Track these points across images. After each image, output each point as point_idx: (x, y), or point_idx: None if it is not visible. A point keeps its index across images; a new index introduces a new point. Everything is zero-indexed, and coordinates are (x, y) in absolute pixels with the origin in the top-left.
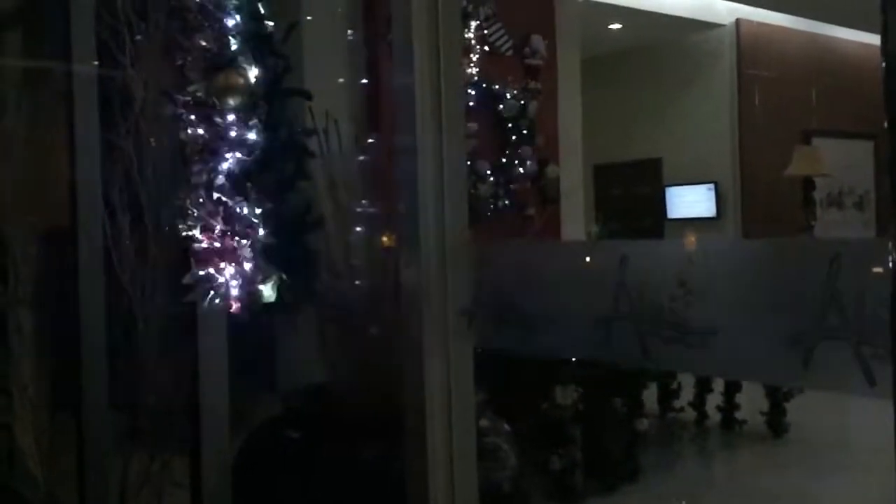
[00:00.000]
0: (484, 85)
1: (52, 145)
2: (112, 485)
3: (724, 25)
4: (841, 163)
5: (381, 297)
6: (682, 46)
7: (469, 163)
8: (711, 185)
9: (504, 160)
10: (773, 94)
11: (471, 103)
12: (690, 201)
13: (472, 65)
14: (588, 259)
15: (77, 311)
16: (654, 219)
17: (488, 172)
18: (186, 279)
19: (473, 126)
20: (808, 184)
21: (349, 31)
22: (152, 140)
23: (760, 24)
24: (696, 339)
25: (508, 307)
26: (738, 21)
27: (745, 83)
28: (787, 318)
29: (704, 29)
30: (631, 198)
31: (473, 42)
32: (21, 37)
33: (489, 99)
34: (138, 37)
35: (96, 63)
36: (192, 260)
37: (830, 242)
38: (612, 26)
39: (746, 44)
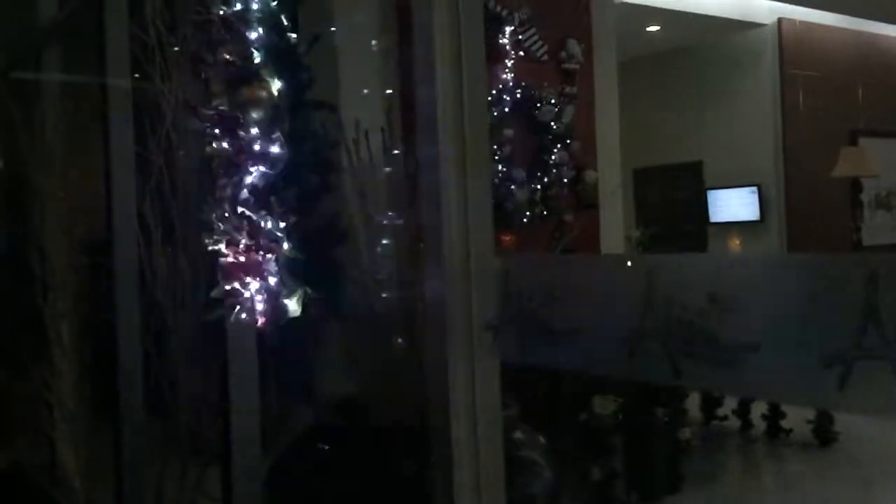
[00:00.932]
0: (519, 90)
1: (90, 159)
2: (148, 496)
3: (765, 25)
4: (889, 163)
5: (409, 310)
6: (722, 47)
7: (504, 169)
8: (754, 188)
9: (540, 166)
10: (818, 94)
11: (506, 109)
12: (733, 205)
13: (506, 70)
14: (615, 272)
15: (114, 323)
16: (695, 223)
17: (524, 178)
18: (213, 294)
19: (509, 132)
20: (854, 185)
21: (376, 42)
22: (182, 154)
23: (803, 23)
24: (727, 358)
25: (533, 321)
26: (779, 20)
27: (788, 83)
28: (823, 337)
29: (745, 29)
30: (672, 202)
31: (508, 47)
32: (61, 52)
33: (525, 104)
34: (171, 49)
35: (129, 77)
36: (218, 274)
37: (868, 258)
38: (649, 28)
39: (789, 43)
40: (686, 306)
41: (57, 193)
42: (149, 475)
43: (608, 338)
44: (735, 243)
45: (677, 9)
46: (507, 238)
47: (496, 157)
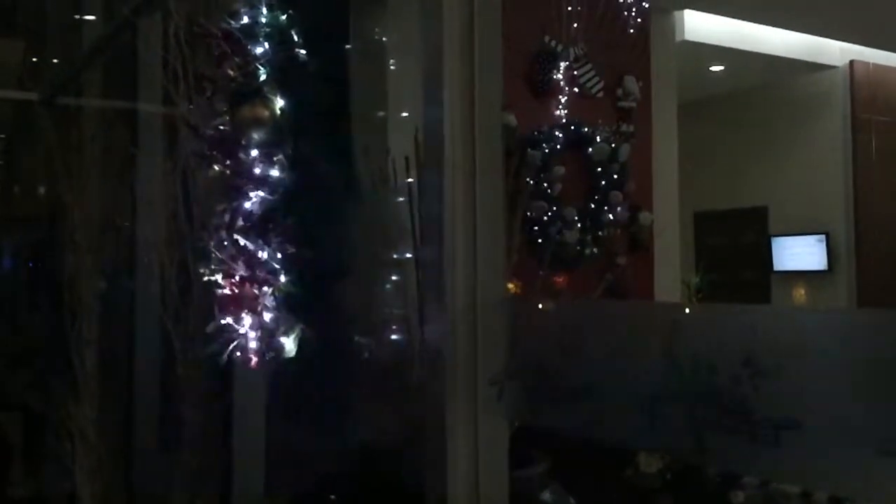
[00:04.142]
0: (573, 127)
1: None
2: None
3: (836, 67)
4: None
5: (415, 357)
6: (790, 89)
7: (555, 208)
8: (822, 236)
9: (593, 205)
10: (892, 139)
11: (558, 146)
12: (799, 253)
13: (560, 107)
14: (638, 322)
15: (132, 352)
16: (758, 271)
17: (575, 218)
18: (208, 329)
19: (560, 169)
20: None
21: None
22: (193, 178)
23: (877, 66)
24: (765, 435)
25: (543, 377)
26: (851, 63)
27: (859, 127)
28: (882, 417)
29: (814, 71)
30: (734, 248)
31: (562, 83)
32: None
33: (578, 142)
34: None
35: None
36: (215, 308)
37: None
38: (713, 68)
39: (861, 86)
40: (716, 368)
41: (90, 217)
42: None
43: (625, 400)
44: (800, 294)
45: (743, 48)
46: (560, 280)
47: (546, 196)
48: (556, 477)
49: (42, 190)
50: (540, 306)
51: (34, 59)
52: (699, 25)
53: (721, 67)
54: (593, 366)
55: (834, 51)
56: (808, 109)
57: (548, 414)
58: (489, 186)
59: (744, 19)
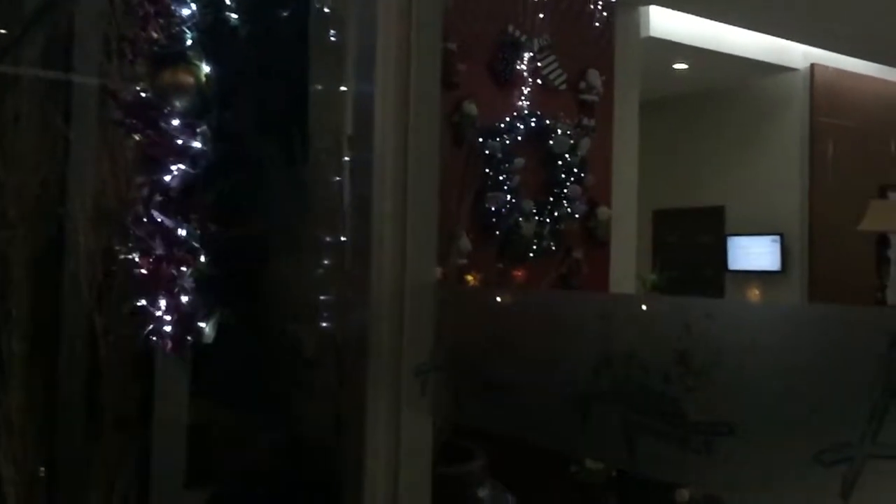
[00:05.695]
0: (534, 119)
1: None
2: None
3: (797, 70)
4: None
5: (335, 347)
6: (751, 90)
7: (513, 200)
8: (777, 237)
9: (551, 198)
10: (848, 144)
11: (518, 137)
12: (754, 253)
13: (522, 97)
14: (569, 315)
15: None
16: (714, 269)
17: (533, 211)
18: (124, 310)
19: (520, 161)
20: (882, 241)
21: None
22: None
23: (837, 71)
24: (698, 441)
25: (469, 370)
26: (812, 66)
27: (818, 131)
28: (824, 423)
29: (776, 73)
30: (691, 246)
31: (525, 74)
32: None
33: (539, 134)
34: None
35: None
36: (131, 289)
37: (889, 314)
38: (677, 66)
39: (821, 90)
40: (646, 367)
41: (23, 193)
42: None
43: (553, 398)
44: (754, 293)
45: (708, 47)
46: (519, 273)
47: (505, 188)
48: (497, 473)
49: None
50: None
51: None
52: (665, 22)
53: (685, 66)
54: (520, 359)
55: (797, 54)
56: (768, 111)
57: (473, 410)
58: (424, 163)
59: (709, 18)
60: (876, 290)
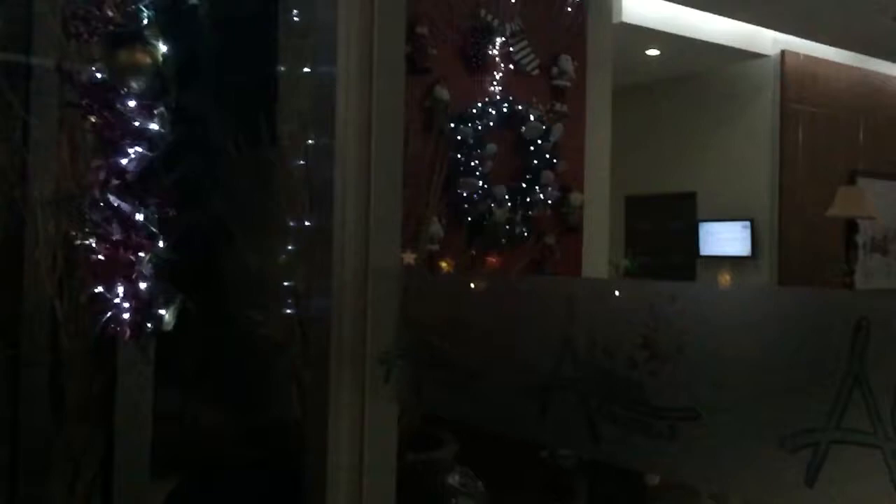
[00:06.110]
0: (506, 105)
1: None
2: None
3: (767, 56)
4: (888, 206)
5: (298, 333)
6: (722, 76)
7: (485, 186)
8: (747, 223)
9: (524, 185)
10: (818, 130)
11: (490, 123)
12: (724, 238)
13: (493, 83)
14: (532, 300)
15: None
16: (686, 255)
17: (506, 197)
18: (82, 298)
19: (493, 147)
20: (850, 226)
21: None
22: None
23: (807, 57)
24: (663, 427)
25: (432, 357)
26: (783, 52)
27: (788, 118)
28: (789, 408)
29: (747, 59)
30: (663, 232)
31: (497, 59)
32: None
33: (511, 120)
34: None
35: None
36: (88, 275)
37: (855, 298)
38: (649, 52)
39: (791, 77)
40: (611, 352)
41: None
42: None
43: (515, 385)
44: (725, 279)
45: (680, 33)
46: (494, 259)
47: (477, 174)
48: (467, 459)
49: None
50: (433, 280)
51: None
52: (637, 8)
53: (657, 52)
54: (483, 346)
55: (767, 40)
56: (739, 97)
57: (436, 399)
58: (388, 147)
59: (681, 4)
60: (844, 276)
